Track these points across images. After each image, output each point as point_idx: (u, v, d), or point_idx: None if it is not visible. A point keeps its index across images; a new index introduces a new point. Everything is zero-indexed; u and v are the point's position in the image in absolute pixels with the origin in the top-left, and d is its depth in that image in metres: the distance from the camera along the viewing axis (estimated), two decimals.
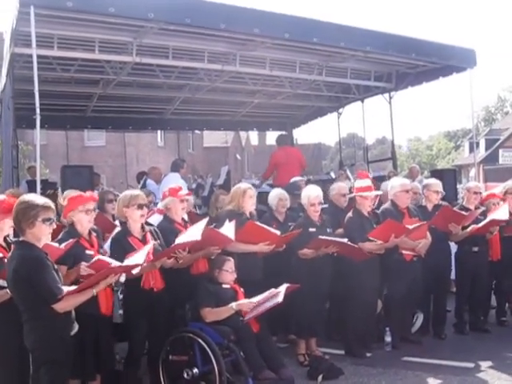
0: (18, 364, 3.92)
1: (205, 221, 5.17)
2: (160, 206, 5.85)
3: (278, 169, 9.92)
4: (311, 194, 6.11)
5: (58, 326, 3.62)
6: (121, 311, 4.01)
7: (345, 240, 5.92)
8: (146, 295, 4.84)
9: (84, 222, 4.65)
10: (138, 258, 4.27)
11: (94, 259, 4.26)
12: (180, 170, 9.23)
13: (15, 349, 3.87)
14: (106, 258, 4.29)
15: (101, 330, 4.59)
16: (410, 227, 6.06)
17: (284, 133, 12.70)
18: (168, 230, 5.35)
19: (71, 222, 4.68)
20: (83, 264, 4.23)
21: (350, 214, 6.35)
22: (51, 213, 3.71)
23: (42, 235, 3.67)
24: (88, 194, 4.80)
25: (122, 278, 4.00)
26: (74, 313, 3.77)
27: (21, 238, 3.69)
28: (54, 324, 3.58)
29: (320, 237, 5.84)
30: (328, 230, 6.15)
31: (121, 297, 3.92)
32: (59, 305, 3.55)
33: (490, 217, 6.70)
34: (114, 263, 4.13)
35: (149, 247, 4.56)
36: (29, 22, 6.03)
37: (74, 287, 3.71)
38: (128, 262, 4.20)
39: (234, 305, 5.08)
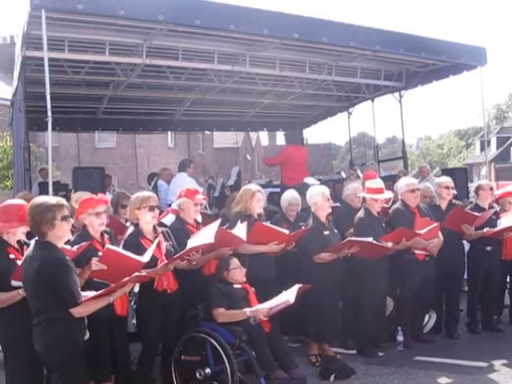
0: (31, 366, 3.94)
1: (217, 223, 5.19)
2: (174, 205, 5.87)
3: (285, 167, 9.89)
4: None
5: (71, 331, 3.60)
6: (134, 321, 4.00)
7: (370, 239, 5.84)
8: (159, 296, 4.85)
9: (95, 224, 4.67)
10: (143, 258, 4.31)
11: (102, 250, 4.28)
12: (187, 169, 9.25)
13: (28, 350, 3.87)
14: (115, 247, 4.33)
15: (116, 331, 4.62)
16: (422, 232, 6.01)
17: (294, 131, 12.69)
18: (180, 231, 5.38)
19: (83, 225, 4.71)
20: (94, 259, 4.27)
21: (359, 214, 6.32)
22: (66, 210, 3.72)
23: (63, 233, 3.70)
24: (98, 196, 4.82)
25: (136, 289, 4.00)
26: (86, 320, 3.76)
27: (41, 239, 3.67)
28: (66, 329, 3.57)
29: (350, 238, 5.83)
30: (335, 231, 6.15)
31: (134, 306, 3.90)
32: (77, 309, 3.54)
33: (506, 224, 6.63)
34: (123, 252, 4.18)
35: (153, 247, 4.55)
36: (40, 26, 6.08)
37: (92, 293, 3.72)
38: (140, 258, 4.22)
39: (248, 311, 5.05)
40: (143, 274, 4.20)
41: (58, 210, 3.64)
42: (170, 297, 4.92)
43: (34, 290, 3.60)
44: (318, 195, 6.08)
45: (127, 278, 3.84)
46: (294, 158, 9.75)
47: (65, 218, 3.67)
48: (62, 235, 3.69)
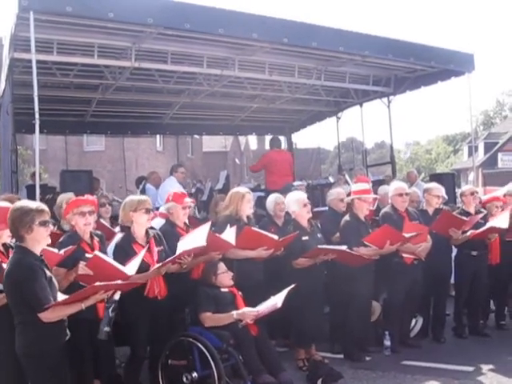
0: (16, 369, 3.90)
1: (208, 225, 5.18)
2: (162, 209, 5.86)
3: (269, 171, 9.88)
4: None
5: (48, 334, 3.57)
6: (107, 328, 3.91)
7: (344, 247, 5.90)
8: (148, 302, 4.83)
9: (80, 224, 4.65)
10: (129, 269, 4.26)
11: (91, 255, 4.26)
12: (174, 173, 9.22)
13: (13, 353, 3.85)
14: (104, 256, 4.30)
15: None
16: (407, 235, 6.04)
17: (277, 136, 12.68)
18: (170, 234, 5.37)
19: (72, 226, 4.69)
20: (82, 262, 4.24)
21: (346, 218, 6.34)
22: (46, 215, 3.71)
23: (41, 238, 3.67)
24: (86, 197, 4.81)
25: (117, 296, 3.92)
26: (66, 321, 3.73)
27: (19, 243, 3.68)
28: (40, 332, 3.55)
29: (319, 246, 5.84)
30: (318, 236, 6.14)
31: (112, 314, 3.82)
32: (45, 314, 3.50)
33: (489, 224, 6.70)
34: (111, 262, 4.14)
35: (141, 256, 4.52)
36: (28, 28, 6.05)
37: (63, 297, 3.67)
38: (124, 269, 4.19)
39: (235, 313, 5.06)
40: (130, 281, 4.15)
41: (37, 215, 3.63)
42: (159, 302, 4.90)
43: (7, 293, 3.64)
44: (294, 203, 6.11)
45: (99, 284, 3.71)
46: (277, 162, 9.76)
47: (43, 224, 3.66)
48: (39, 240, 3.67)
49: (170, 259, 4.86)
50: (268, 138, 12.07)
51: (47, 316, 3.51)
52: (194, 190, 12.07)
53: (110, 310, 3.86)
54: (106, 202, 6.77)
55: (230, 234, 5.33)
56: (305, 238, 5.95)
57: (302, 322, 5.91)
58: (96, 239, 4.76)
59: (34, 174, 11.48)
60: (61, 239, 4.58)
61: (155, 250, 4.97)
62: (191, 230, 5.54)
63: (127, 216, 5.02)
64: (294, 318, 5.97)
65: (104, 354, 4.65)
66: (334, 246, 5.98)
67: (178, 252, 4.90)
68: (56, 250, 4.34)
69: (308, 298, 5.79)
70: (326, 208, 7.29)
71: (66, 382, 3.77)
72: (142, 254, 4.56)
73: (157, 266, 4.78)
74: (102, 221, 6.18)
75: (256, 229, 5.85)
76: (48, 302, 3.51)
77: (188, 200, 5.77)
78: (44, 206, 3.77)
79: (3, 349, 4.02)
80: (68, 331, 3.77)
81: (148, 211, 5.00)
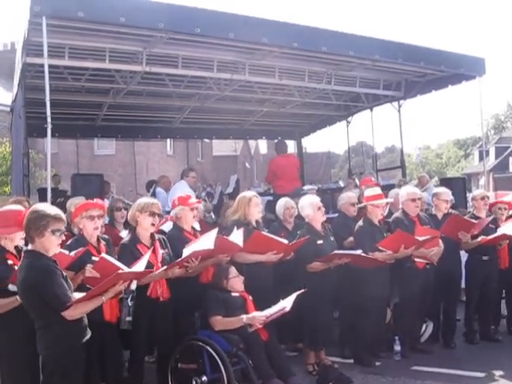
0: (31, 370, 3.94)
1: (215, 231, 5.21)
2: (173, 213, 5.89)
3: (277, 176, 9.89)
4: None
5: (69, 333, 3.63)
6: (129, 318, 4.01)
7: (359, 251, 5.89)
8: (149, 303, 4.84)
9: (88, 228, 4.68)
10: (137, 267, 4.28)
11: (98, 258, 4.28)
12: (184, 177, 9.25)
13: (27, 355, 3.89)
14: (111, 258, 4.32)
15: (105, 337, 4.59)
16: (421, 239, 6.02)
17: (282, 140, 12.66)
18: (177, 238, 5.39)
19: (80, 230, 4.72)
20: (88, 265, 4.26)
21: (360, 223, 6.33)
22: (61, 224, 3.73)
23: (50, 246, 3.68)
24: (94, 201, 4.84)
25: (133, 286, 4.00)
26: (86, 320, 3.78)
27: (30, 247, 3.72)
28: (64, 331, 3.60)
29: (336, 252, 5.84)
30: (332, 239, 6.15)
31: (131, 304, 3.92)
32: (68, 312, 3.56)
33: (501, 231, 6.67)
34: (118, 264, 4.16)
35: (148, 256, 4.55)
36: (40, 33, 6.09)
37: (83, 294, 3.73)
38: (133, 269, 4.22)
39: (244, 317, 5.06)
40: (135, 271, 4.17)
41: (52, 222, 3.66)
42: (162, 305, 4.92)
43: (24, 298, 3.67)
44: (308, 207, 6.11)
45: (118, 273, 3.81)
46: (285, 167, 9.77)
47: (56, 232, 3.67)
48: (48, 247, 3.67)
49: (178, 261, 4.88)
50: None
51: (70, 314, 3.57)
52: (203, 194, 12.09)
53: (129, 299, 3.94)
54: (122, 207, 6.46)
55: (237, 236, 5.35)
56: (319, 241, 5.95)
57: (315, 324, 5.91)
58: (103, 243, 4.79)
59: (54, 176, 11.62)
60: (68, 242, 4.61)
61: (160, 251, 4.99)
62: (199, 234, 5.55)
63: (133, 216, 5.07)
64: (306, 320, 5.97)
65: (111, 356, 4.67)
66: (350, 251, 5.97)
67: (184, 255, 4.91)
68: (67, 252, 4.36)
69: (320, 301, 5.79)
70: (336, 215, 7.28)
71: (81, 381, 3.81)
72: (147, 255, 4.56)
73: (163, 268, 4.79)
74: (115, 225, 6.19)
75: (266, 233, 5.85)
76: (69, 300, 3.57)
77: (194, 200, 5.77)
78: (62, 215, 3.77)
79: (18, 350, 4.06)
80: (88, 330, 3.81)
81: (153, 214, 5.00)
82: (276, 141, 11.13)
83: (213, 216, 8.89)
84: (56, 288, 3.56)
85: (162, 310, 4.94)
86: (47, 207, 3.83)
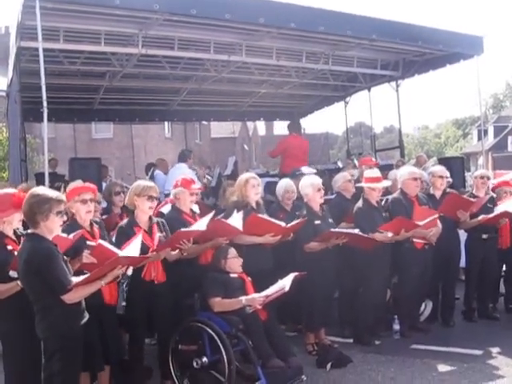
0: (30, 353, 3.96)
1: (211, 214, 5.21)
2: (172, 194, 5.88)
3: (285, 156, 9.89)
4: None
5: (68, 316, 3.67)
6: (124, 303, 4.04)
7: (356, 230, 5.91)
8: (146, 286, 4.85)
9: (81, 212, 4.65)
10: (132, 250, 4.27)
11: (95, 244, 4.29)
12: (187, 160, 9.25)
13: (27, 338, 3.92)
14: (107, 244, 4.33)
15: (106, 320, 4.60)
16: (421, 223, 6.01)
17: (297, 121, 12.60)
18: (175, 220, 5.37)
19: (72, 214, 4.69)
20: (85, 252, 4.27)
21: (359, 205, 6.33)
22: (63, 205, 3.82)
23: (54, 227, 3.76)
24: (86, 184, 4.82)
25: (129, 271, 4.01)
26: (84, 303, 3.83)
27: (31, 231, 3.74)
28: (63, 313, 3.64)
29: (332, 229, 5.84)
30: (330, 221, 6.15)
31: (126, 289, 3.95)
32: (68, 295, 3.60)
33: (502, 208, 6.67)
34: (115, 250, 4.17)
35: (140, 238, 4.49)
36: (34, 16, 6.05)
37: (82, 277, 3.74)
38: (123, 253, 4.21)
39: (243, 299, 5.06)
40: (133, 256, 4.18)
41: (56, 205, 3.72)
42: (157, 287, 4.92)
43: (25, 280, 3.71)
44: (308, 187, 6.11)
45: (117, 258, 3.85)
46: (295, 148, 9.77)
47: (59, 213, 3.75)
48: (52, 229, 3.75)
49: (167, 242, 4.88)
50: (276, 123, 12.04)
51: (70, 297, 3.62)
52: (205, 180, 12.05)
53: (124, 285, 3.96)
54: (121, 191, 6.41)
55: (237, 220, 5.34)
56: (317, 222, 5.96)
57: (312, 306, 5.94)
58: (95, 226, 4.77)
59: (50, 160, 11.57)
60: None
61: (157, 234, 4.98)
62: (198, 217, 5.55)
63: (131, 200, 5.05)
64: (304, 302, 6.00)
65: (111, 339, 4.68)
66: (347, 230, 5.98)
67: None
68: (65, 235, 4.36)
69: (318, 282, 5.81)
70: (334, 196, 7.29)
71: (81, 363, 3.86)
72: (139, 237, 4.50)
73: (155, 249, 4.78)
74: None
75: (262, 216, 5.83)
76: (69, 283, 3.61)
77: (196, 186, 5.77)
78: (62, 197, 3.86)
79: (17, 334, 4.08)
80: (86, 313, 3.86)
81: (151, 198, 4.99)
82: (289, 122, 11.06)
83: (206, 200, 8.87)
84: (58, 271, 3.61)
85: (158, 294, 4.93)
86: (46, 190, 3.87)
